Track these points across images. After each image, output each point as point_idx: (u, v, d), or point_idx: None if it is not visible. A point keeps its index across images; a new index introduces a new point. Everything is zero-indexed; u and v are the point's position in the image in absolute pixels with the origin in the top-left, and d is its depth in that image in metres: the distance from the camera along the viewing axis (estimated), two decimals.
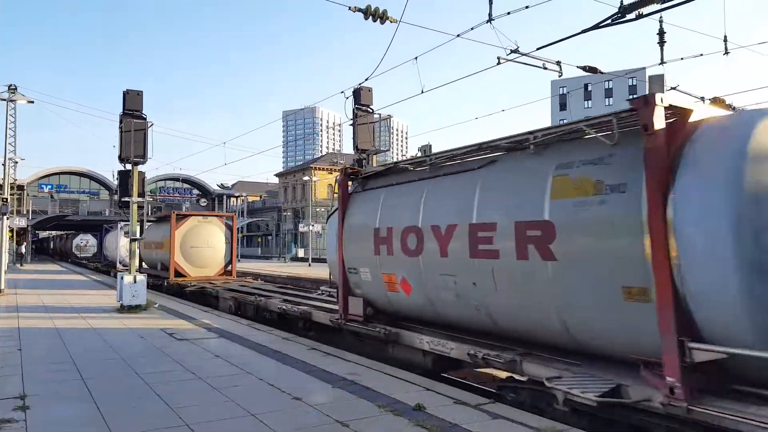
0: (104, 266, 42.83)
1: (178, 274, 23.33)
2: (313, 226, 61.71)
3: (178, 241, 23.38)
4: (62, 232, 78.71)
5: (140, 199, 17.43)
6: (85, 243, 60.39)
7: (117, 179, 17.93)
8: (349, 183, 11.57)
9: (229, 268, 24.86)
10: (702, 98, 20.43)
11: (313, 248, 63.05)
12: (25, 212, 59.16)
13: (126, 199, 17.18)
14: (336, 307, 12.21)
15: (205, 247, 23.86)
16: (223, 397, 7.31)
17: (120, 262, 35.74)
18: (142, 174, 17.53)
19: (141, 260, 28.21)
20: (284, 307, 14.05)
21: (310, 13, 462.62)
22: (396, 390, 7.58)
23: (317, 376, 8.49)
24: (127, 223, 32.64)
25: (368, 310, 10.45)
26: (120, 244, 36.71)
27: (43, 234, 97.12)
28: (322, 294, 16.44)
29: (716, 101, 21.71)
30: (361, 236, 10.41)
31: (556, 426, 6.17)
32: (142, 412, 6.69)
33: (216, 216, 25.34)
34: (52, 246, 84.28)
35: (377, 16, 11.31)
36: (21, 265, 46.25)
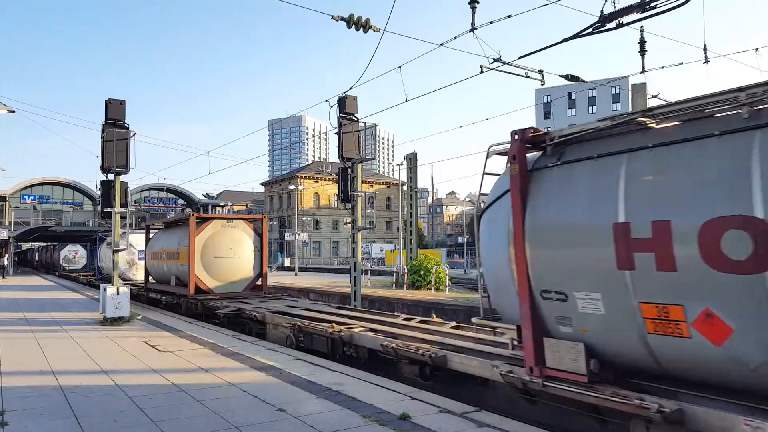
0: (99, 280, 37.48)
1: (199, 290, 19.12)
2: (299, 235, 61.57)
3: (198, 249, 19.25)
4: (47, 244, 77.55)
5: (123, 210, 17.29)
6: (73, 254, 57.26)
7: (99, 189, 17.77)
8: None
9: (260, 281, 20.69)
10: None
11: (299, 257, 62.87)
12: (7, 224, 58.50)
13: (108, 209, 17.03)
14: (492, 349, 8.94)
15: (231, 256, 19.83)
16: (206, 409, 7.23)
17: (120, 276, 32.37)
18: (124, 184, 17.41)
19: (147, 274, 25.43)
20: (394, 344, 9.73)
21: (294, 22, 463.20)
22: (381, 399, 7.54)
23: (302, 386, 8.42)
24: (126, 230, 31.32)
25: (592, 363, 6.28)
26: (119, 255, 33.65)
27: (25, 246, 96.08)
28: (412, 320, 12.95)
29: None
30: (574, 238, 6.38)
31: None
32: (123, 426, 6.61)
33: (242, 219, 21.27)
34: (37, 258, 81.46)
35: (360, 24, 11.33)
36: (3, 278, 45.70)
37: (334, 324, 12.13)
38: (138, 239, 30.78)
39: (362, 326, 12.13)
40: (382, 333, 11.26)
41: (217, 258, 19.50)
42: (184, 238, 19.98)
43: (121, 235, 30.17)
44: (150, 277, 24.91)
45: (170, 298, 20.70)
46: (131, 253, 31.57)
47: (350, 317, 13.97)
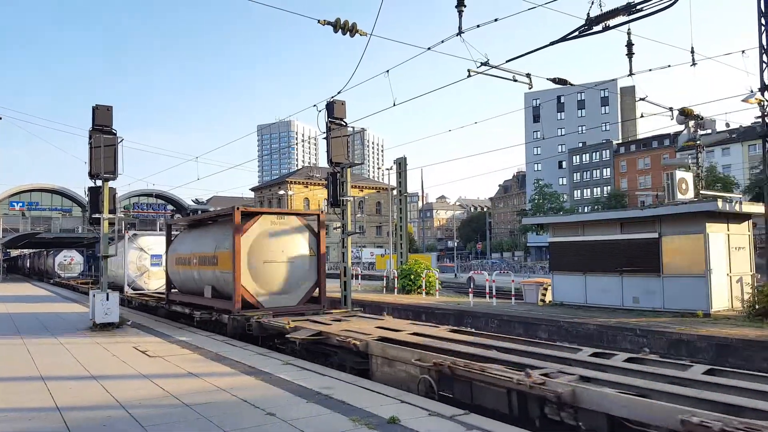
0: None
1: (246, 304, 15.20)
2: None
3: (244, 252, 15.36)
4: (38, 250, 76.53)
5: (111, 216, 17.22)
6: (69, 261, 53.84)
7: (88, 196, 17.69)
8: None
9: (316, 293, 16.64)
10: (671, 108, 20.88)
11: None
12: None
13: (97, 215, 16.97)
14: None
15: (283, 261, 15.94)
16: (195, 413, 7.22)
17: (129, 285, 26.45)
18: (113, 190, 17.35)
19: (170, 283, 20.65)
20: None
21: (281, 27, 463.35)
22: (371, 403, 7.55)
23: (292, 391, 8.42)
24: (136, 232, 28.71)
25: None
26: (128, 261, 27.08)
27: (14, 252, 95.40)
28: (607, 356, 9.06)
29: (685, 112, 22.00)
30: None
31: None
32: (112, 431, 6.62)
33: (295, 214, 17.00)
34: (28, 265, 79.15)
35: (347, 29, 11.39)
36: None
37: (530, 371, 7.60)
38: (150, 242, 27.57)
39: (556, 370, 7.97)
40: (600, 383, 7.32)
41: (266, 263, 15.71)
42: (223, 238, 16.33)
43: (131, 237, 26.86)
44: (173, 287, 20.58)
45: (206, 313, 16.52)
46: (142, 258, 27.44)
47: (485, 346, 10.07)
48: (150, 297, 24.08)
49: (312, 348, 12.09)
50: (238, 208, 15.64)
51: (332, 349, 11.62)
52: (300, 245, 16.36)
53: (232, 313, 14.97)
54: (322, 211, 17.70)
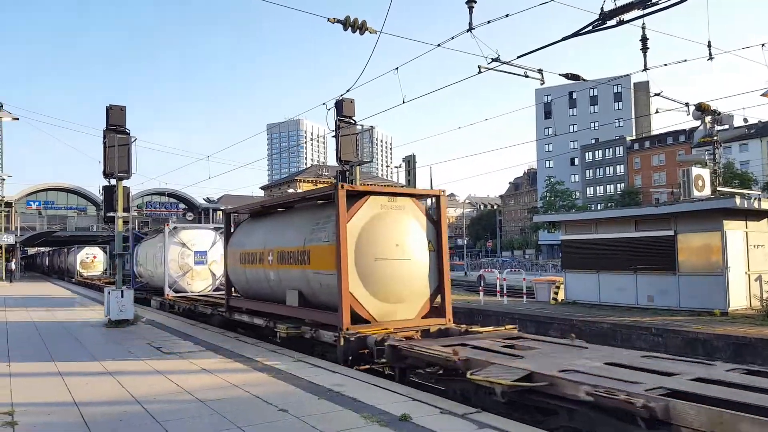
0: (136, 290, 22.93)
1: (354, 317, 11.01)
2: None
3: (351, 246, 11.15)
4: (57, 247, 76.83)
5: (125, 214, 17.37)
6: (91, 258, 51.49)
7: (102, 194, 17.86)
8: None
9: (438, 301, 12.33)
10: (686, 104, 20.67)
11: None
12: (13, 229, 58.75)
13: (111, 214, 17.12)
14: None
15: (399, 258, 11.63)
16: (209, 409, 7.26)
17: (170, 287, 22.89)
18: (126, 189, 17.49)
19: (230, 285, 16.74)
20: None
21: (290, 25, 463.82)
22: (382, 401, 7.55)
23: (304, 388, 8.44)
24: (177, 225, 25.32)
25: None
26: (169, 258, 23.21)
27: (32, 250, 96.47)
28: None
29: (701, 107, 21.78)
30: None
31: None
32: (128, 426, 6.68)
33: (410, 196, 12.64)
34: (47, 263, 78.84)
35: (356, 27, 11.37)
36: (10, 282, 45.94)
37: None
38: (192, 237, 23.87)
39: None
40: None
41: (378, 261, 11.42)
42: (316, 227, 12.24)
43: (171, 231, 23.53)
44: (233, 290, 16.73)
45: (294, 327, 12.39)
46: (184, 255, 23.45)
47: None
48: (197, 301, 20.71)
49: (516, 399, 7.40)
50: (342, 186, 11.43)
51: (562, 405, 7.01)
52: (417, 237, 12.07)
53: (341, 330, 10.75)
54: (443, 191, 12.99)
